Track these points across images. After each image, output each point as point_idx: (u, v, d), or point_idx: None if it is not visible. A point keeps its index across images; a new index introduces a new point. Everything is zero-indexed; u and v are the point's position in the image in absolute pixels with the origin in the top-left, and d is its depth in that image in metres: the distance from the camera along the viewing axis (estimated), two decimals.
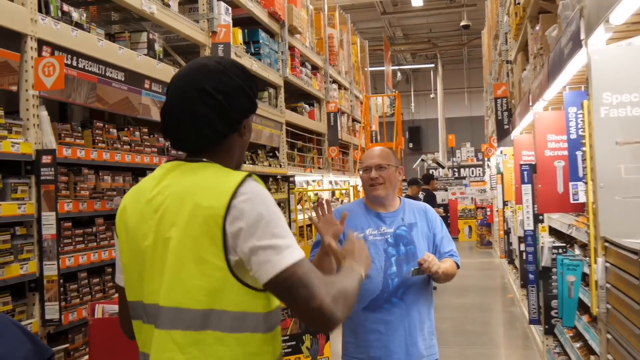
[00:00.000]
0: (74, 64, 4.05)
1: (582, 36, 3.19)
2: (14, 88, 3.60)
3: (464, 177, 21.76)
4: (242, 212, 1.54)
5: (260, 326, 1.59)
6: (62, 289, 3.77)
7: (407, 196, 9.93)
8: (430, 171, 20.77)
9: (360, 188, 12.29)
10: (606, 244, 3.05)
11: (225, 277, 1.54)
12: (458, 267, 2.98)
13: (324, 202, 2.44)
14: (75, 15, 4.12)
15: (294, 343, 6.05)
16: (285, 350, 6.01)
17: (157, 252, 1.61)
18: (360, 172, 3.03)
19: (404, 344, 2.82)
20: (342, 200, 13.17)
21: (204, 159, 1.69)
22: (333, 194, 12.67)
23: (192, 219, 1.56)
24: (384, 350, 2.82)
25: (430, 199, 11.61)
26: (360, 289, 1.77)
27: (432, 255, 2.78)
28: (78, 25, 4.11)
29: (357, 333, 2.87)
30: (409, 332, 2.83)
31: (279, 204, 8.52)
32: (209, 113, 1.65)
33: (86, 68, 4.17)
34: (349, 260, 1.91)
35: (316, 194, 11.54)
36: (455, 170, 22.94)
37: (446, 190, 19.98)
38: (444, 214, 16.38)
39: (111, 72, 4.45)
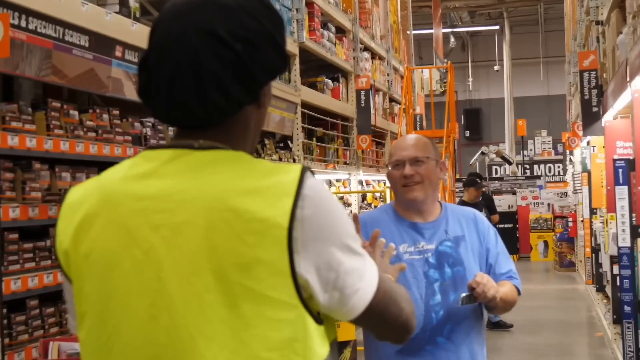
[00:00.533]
0: (23, 24, 4.07)
1: None
2: None
3: (538, 177, 21.68)
4: (310, 225, 1.40)
5: None
6: (5, 321, 3.79)
7: (463, 202, 9.78)
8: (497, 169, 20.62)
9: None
10: None
11: (302, 317, 1.41)
12: (519, 293, 2.93)
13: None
14: None
15: None
16: None
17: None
18: (389, 169, 2.95)
19: None
20: (374, 206, 13.15)
21: (217, 144, 1.48)
22: (363, 197, 12.63)
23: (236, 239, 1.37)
24: None
25: (488, 203, 11.53)
26: None
27: (486, 276, 2.70)
28: None
29: None
30: None
31: None
32: (221, 70, 1.44)
33: (39, 30, 4.19)
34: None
35: (341, 198, 11.52)
36: (527, 167, 22.83)
37: (514, 193, 19.89)
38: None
39: (71, 36, 4.47)
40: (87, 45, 4.61)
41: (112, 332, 1.43)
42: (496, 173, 23.43)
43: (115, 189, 1.48)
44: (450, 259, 2.83)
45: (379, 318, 1.55)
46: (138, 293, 1.41)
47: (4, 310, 3.75)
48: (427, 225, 2.89)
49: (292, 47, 8.54)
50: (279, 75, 1.64)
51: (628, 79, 5.38)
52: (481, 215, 3.05)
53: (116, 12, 4.99)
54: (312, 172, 1.46)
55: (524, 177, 21.69)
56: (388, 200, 9.50)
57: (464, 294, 2.65)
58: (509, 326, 9.65)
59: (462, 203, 9.56)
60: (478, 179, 10.65)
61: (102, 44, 4.72)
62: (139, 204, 1.44)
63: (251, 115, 1.54)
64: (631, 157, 5.36)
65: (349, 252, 1.45)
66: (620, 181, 5.59)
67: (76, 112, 4.58)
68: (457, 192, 14.16)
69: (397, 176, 2.89)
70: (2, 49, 3.64)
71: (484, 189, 12.25)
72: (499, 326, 9.63)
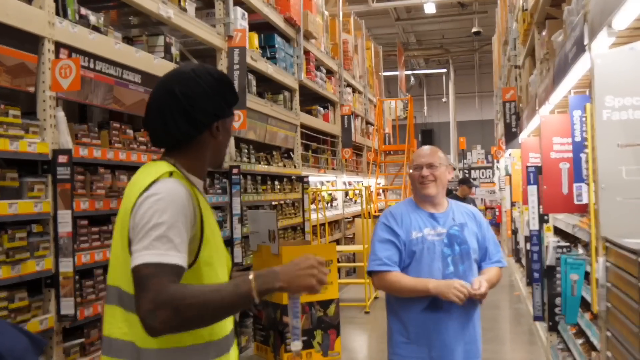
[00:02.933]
0: (91, 66, 4.03)
1: (586, 41, 3.11)
2: (32, 89, 3.58)
3: (474, 179, 21.58)
4: (139, 207, 1.60)
5: None
6: (77, 285, 3.74)
7: (456, 197, 9.58)
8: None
9: (373, 189, 12.23)
10: (607, 244, 2.96)
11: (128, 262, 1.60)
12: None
13: None
14: (92, 18, 4.10)
15: (305, 338, 6.01)
16: None
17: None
18: (411, 171, 2.95)
19: (463, 342, 2.80)
20: (355, 201, 13.10)
21: (167, 157, 1.77)
22: (346, 194, 12.60)
23: (123, 209, 1.68)
24: (445, 349, 2.77)
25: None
26: (237, 305, 1.59)
27: (481, 282, 2.74)
28: (95, 29, 4.09)
29: (417, 333, 2.80)
30: (467, 331, 2.81)
31: (292, 204, 8.53)
32: (175, 114, 1.71)
33: (103, 70, 4.15)
34: (260, 272, 1.64)
35: (330, 194, 11.49)
36: (466, 171, 22.76)
37: (456, 190, 19.83)
38: None
39: (128, 75, 4.43)
40: (139, 81, 4.57)
41: None
42: None
43: None
44: (459, 239, 2.84)
45: (135, 285, 1.54)
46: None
47: (77, 277, 3.70)
48: (441, 214, 2.90)
49: (293, 83, 8.50)
50: (221, 119, 1.79)
51: (537, 108, 5.34)
52: (478, 211, 3.07)
53: (162, 57, 4.94)
54: (177, 177, 1.67)
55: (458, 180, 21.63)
56: (364, 196, 9.45)
57: None
58: None
59: (456, 197, 9.37)
60: (471, 181, 10.45)
61: (151, 81, 4.68)
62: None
63: (207, 142, 1.78)
64: (539, 165, 5.31)
65: (143, 236, 1.56)
66: (532, 182, 5.55)
67: (131, 131, 4.53)
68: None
69: (416, 176, 2.90)
70: (74, 84, 3.60)
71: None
72: None
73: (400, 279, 2.78)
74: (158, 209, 1.58)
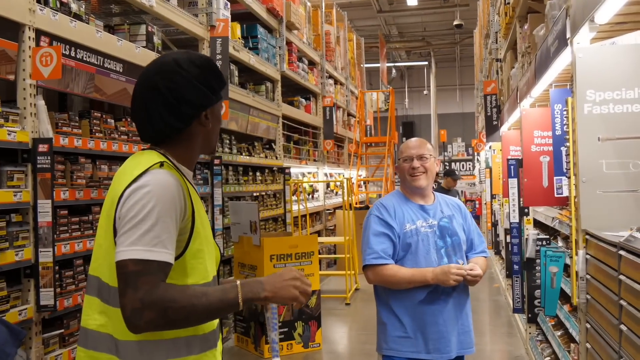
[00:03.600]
0: (72, 54, 3.98)
1: (568, 35, 3.14)
2: (12, 77, 3.53)
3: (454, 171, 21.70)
4: (127, 199, 1.56)
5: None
6: (57, 275, 3.71)
7: (441, 188, 9.51)
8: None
9: (354, 181, 12.24)
10: (587, 237, 3.00)
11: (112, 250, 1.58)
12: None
13: None
14: (74, 6, 4.04)
15: (286, 330, 6.02)
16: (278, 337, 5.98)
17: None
18: (399, 162, 2.92)
19: (457, 333, 2.81)
20: (336, 192, 13.11)
21: (155, 147, 1.73)
22: (328, 185, 12.61)
23: (110, 198, 1.64)
24: (442, 341, 2.77)
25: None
26: (223, 311, 1.59)
27: (474, 266, 2.78)
28: (77, 17, 4.03)
29: (413, 327, 2.79)
30: (462, 321, 2.84)
31: (274, 195, 8.52)
32: (160, 108, 1.67)
33: (84, 59, 4.10)
34: (246, 280, 1.66)
35: (311, 186, 11.49)
36: (447, 164, 22.90)
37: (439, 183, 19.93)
38: None
39: (109, 64, 4.38)
40: (121, 70, 4.52)
41: None
42: None
43: None
44: (449, 231, 2.85)
45: (120, 280, 1.51)
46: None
47: (56, 268, 3.66)
48: (430, 206, 2.90)
49: (275, 74, 8.47)
50: (209, 106, 1.73)
51: (518, 101, 5.38)
52: (462, 204, 3.08)
53: (143, 47, 4.89)
54: (167, 168, 1.62)
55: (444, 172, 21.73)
56: (345, 187, 9.47)
57: None
58: None
59: (440, 189, 9.32)
60: (456, 173, 10.38)
61: (132, 70, 4.63)
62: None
63: (196, 131, 1.74)
64: (520, 158, 5.36)
65: (130, 230, 1.53)
66: (512, 175, 5.59)
67: (112, 120, 4.49)
68: (395, 182, 14.14)
69: (406, 168, 2.88)
70: (55, 72, 3.55)
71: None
72: None
73: (397, 272, 2.77)
74: (146, 203, 1.54)
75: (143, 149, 1.75)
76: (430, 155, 2.89)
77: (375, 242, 2.81)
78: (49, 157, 3.54)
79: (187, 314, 1.50)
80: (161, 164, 1.61)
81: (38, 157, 3.52)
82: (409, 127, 30.46)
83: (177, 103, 1.66)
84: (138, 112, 1.72)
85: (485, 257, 3.00)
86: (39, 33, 3.66)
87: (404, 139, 30.00)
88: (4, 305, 3.35)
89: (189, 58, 1.71)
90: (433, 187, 3.05)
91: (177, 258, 1.60)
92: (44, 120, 3.64)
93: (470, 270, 2.74)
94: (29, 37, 3.58)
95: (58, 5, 3.90)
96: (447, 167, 11.70)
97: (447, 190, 9.23)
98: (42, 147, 3.53)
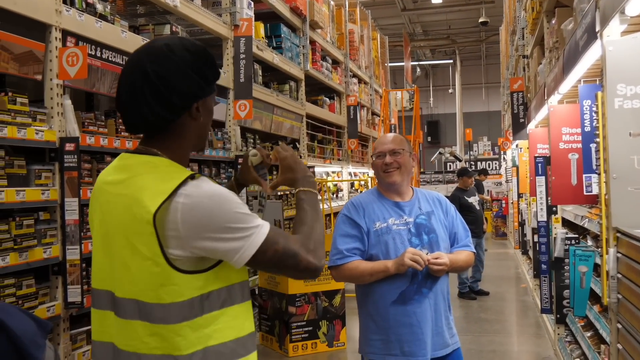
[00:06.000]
0: (98, 54, 4.03)
1: (597, 28, 3.09)
2: (39, 77, 3.58)
3: (482, 170, 21.53)
4: (181, 214, 1.48)
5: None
6: (84, 272, 3.75)
7: (459, 189, 9.29)
8: (450, 165, 20.51)
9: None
10: (618, 235, 2.95)
11: (165, 271, 1.50)
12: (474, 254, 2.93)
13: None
14: (99, 7, 4.09)
15: (310, 328, 6.02)
16: (302, 336, 5.99)
17: (107, 242, 1.60)
18: (373, 159, 2.86)
19: (431, 334, 2.69)
20: (360, 192, 13.09)
21: (155, 150, 1.60)
22: (352, 184, 12.60)
23: (126, 217, 1.53)
24: (417, 343, 2.66)
25: (478, 186, 11.29)
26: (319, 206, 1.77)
27: (441, 254, 2.68)
28: (102, 17, 4.08)
29: (388, 329, 2.70)
30: (436, 322, 2.71)
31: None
32: (149, 97, 1.54)
33: (110, 59, 4.14)
34: (298, 181, 1.82)
35: (335, 185, 11.49)
36: (472, 163, 22.73)
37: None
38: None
39: None
40: None
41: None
42: (450, 168, 23.34)
43: (101, 175, 1.68)
44: (426, 228, 2.76)
45: (274, 267, 1.59)
46: (97, 237, 1.65)
47: (83, 265, 3.70)
48: (406, 203, 2.81)
49: (299, 73, 8.48)
50: (201, 98, 1.61)
51: (545, 98, 5.31)
52: (443, 197, 2.97)
53: None
54: (199, 176, 1.54)
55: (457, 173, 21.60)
56: (369, 186, 9.44)
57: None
58: (486, 293, 8.79)
59: (459, 190, 9.15)
60: (469, 170, 10.16)
61: None
62: (103, 187, 1.63)
63: (187, 125, 1.62)
64: (547, 156, 5.29)
65: (224, 239, 1.50)
66: (540, 173, 5.53)
67: None
68: (420, 182, 14.08)
69: (379, 164, 2.82)
70: (81, 72, 3.60)
71: (476, 177, 11.66)
72: (481, 293, 8.77)
73: (357, 265, 2.71)
74: (213, 207, 1.50)
75: (134, 150, 1.64)
76: (404, 150, 2.81)
77: (340, 242, 2.76)
78: (75, 156, 3.58)
79: (320, 228, 1.69)
80: (192, 177, 1.54)
81: (65, 156, 3.56)
82: (434, 126, 30.32)
83: (166, 91, 1.54)
84: (124, 100, 1.58)
85: (470, 251, 2.87)
86: (66, 33, 3.71)
87: (429, 138, 29.98)
88: (32, 302, 3.40)
89: (181, 43, 1.59)
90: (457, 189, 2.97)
91: (210, 268, 1.56)
92: (71, 120, 3.69)
93: (436, 258, 2.63)
94: (56, 38, 3.63)
95: (84, 6, 3.95)
96: (463, 167, 11.56)
97: (467, 191, 9.04)
98: (69, 146, 3.58)
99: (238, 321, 1.60)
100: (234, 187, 1.99)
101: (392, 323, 2.68)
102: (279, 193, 7.78)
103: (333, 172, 11.95)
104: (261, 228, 1.55)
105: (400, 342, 2.67)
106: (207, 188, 1.52)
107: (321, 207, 1.77)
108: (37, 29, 3.55)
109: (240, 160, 6.16)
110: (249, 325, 1.64)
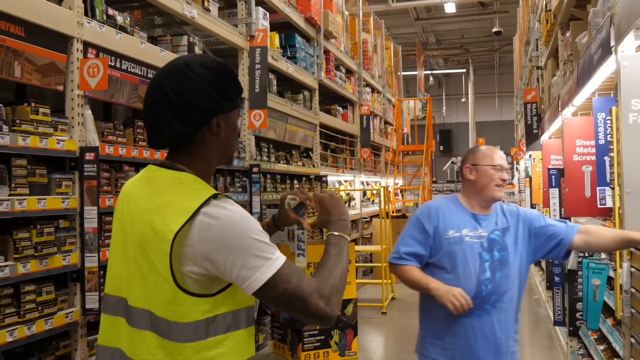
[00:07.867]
0: (118, 65, 4.10)
1: (612, 43, 3.11)
2: (60, 88, 3.66)
3: None
4: (199, 230, 1.49)
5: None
6: (102, 280, 3.81)
7: None
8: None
9: (391, 189, 12.22)
10: (632, 249, 2.96)
11: (173, 290, 1.52)
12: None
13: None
14: (119, 19, 4.17)
15: (322, 337, 6.05)
16: (314, 344, 6.02)
17: (127, 253, 1.62)
18: (489, 168, 2.78)
19: (493, 352, 2.66)
20: (372, 201, 13.11)
21: (181, 166, 1.62)
22: (364, 194, 12.62)
23: (147, 231, 1.55)
24: (470, 356, 2.65)
25: None
26: (346, 254, 1.69)
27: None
28: (122, 29, 4.16)
29: (444, 335, 2.70)
30: (499, 341, 2.67)
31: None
32: (167, 112, 1.58)
33: (129, 69, 4.22)
34: (331, 224, 1.79)
35: (348, 194, 11.51)
36: None
37: None
38: None
39: (153, 74, 4.49)
40: None
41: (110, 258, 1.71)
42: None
43: (127, 184, 1.71)
44: (499, 245, 2.71)
45: (282, 305, 1.54)
46: (116, 245, 1.66)
47: (101, 272, 3.76)
48: (484, 217, 2.77)
49: (313, 83, 8.54)
50: (220, 114, 1.62)
51: (559, 110, 5.33)
52: (522, 208, 2.89)
53: None
54: (222, 197, 1.54)
55: None
56: (382, 196, 9.45)
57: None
58: None
59: None
60: None
61: None
62: (128, 197, 1.65)
63: (207, 140, 1.64)
64: (561, 167, 5.30)
65: (236, 263, 1.49)
66: (553, 185, 5.53)
67: None
68: (432, 191, 14.07)
69: (495, 177, 2.76)
70: (102, 83, 3.67)
71: None
72: None
73: (408, 271, 2.74)
74: (230, 227, 1.51)
75: (161, 163, 1.67)
76: None
77: (402, 243, 2.80)
78: (95, 165, 3.65)
79: (342, 276, 1.63)
80: (215, 196, 1.54)
81: (85, 165, 3.63)
82: (447, 135, 30.28)
83: (182, 106, 1.57)
84: (147, 117, 1.64)
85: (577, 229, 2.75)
86: (87, 45, 3.79)
87: (442, 147, 29.95)
88: (51, 308, 3.46)
89: (200, 61, 1.62)
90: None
91: (219, 292, 1.57)
92: (91, 130, 3.76)
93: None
94: (77, 49, 3.70)
95: (104, 18, 4.03)
96: None
97: None
98: (89, 156, 3.64)
99: (241, 346, 1.61)
100: (271, 227, 2.06)
101: (449, 331, 2.69)
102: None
103: (345, 181, 11.98)
104: (275, 261, 1.52)
105: (453, 351, 2.68)
106: (229, 209, 1.53)
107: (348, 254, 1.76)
108: (59, 41, 3.62)
109: (255, 169, 6.23)
110: (250, 350, 1.65)
